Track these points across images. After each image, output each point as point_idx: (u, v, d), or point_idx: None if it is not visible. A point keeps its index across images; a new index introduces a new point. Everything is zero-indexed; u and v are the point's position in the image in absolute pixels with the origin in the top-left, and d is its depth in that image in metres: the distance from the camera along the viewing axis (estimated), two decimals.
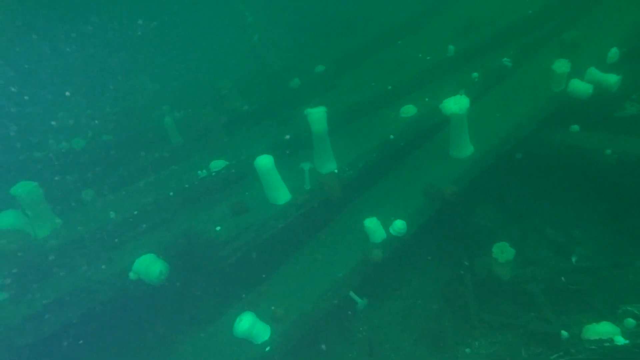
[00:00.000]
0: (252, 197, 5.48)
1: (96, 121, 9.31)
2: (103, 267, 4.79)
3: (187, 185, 5.76)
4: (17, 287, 4.73)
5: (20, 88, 9.26)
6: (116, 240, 5.21)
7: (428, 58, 7.08)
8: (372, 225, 4.88)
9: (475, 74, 6.44)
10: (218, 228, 5.02)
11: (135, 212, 5.42)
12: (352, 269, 4.75)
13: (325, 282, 4.66)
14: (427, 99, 6.29)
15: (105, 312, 4.73)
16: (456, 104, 5.00)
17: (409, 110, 6.10)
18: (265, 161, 5.04)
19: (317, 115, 5.23)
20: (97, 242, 5.14)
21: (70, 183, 7.33)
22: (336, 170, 5.53)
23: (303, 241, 5.31)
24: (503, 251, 4.41)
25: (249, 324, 4.11)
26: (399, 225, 4.90)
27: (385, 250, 4.83)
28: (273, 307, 4.41)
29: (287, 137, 6.31)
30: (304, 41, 10.06)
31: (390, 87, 6.63)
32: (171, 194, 5.66)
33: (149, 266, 4.76)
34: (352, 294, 4.87)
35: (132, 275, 4.78)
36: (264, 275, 4.93)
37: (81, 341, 4.66)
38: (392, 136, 5.88)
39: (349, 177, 5.58)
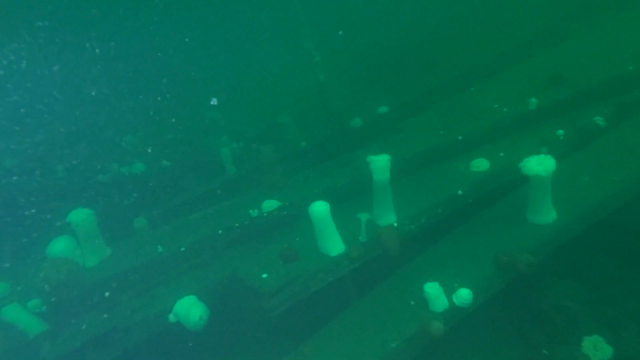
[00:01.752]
0: (302, 243, 5.15)
1: (157, 146, 9.57)
2: (144, 312, 4.57)
3: (237, 224, 5.54)
4: (56, 318, 4.63)
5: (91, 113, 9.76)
6: (161, 277, 5.03)
7: (505, 109, 6.54)
8: (434, 291, 4.35)
9: (560, 132, 5.81)
10: (265, 275, 4.71)
11: (183, 249, 5.25)
12: (407, 340, 4.21)
13: (376, 351, 4.16)
14: (502, 154, 5.74)
15: (139, 355, 4.48)
16: (540, 164, 4.43)
17: (481, 164, 5.57)
18: (320, 208, 4.72)
19: (380, 164, 4.86)
20: (142, 277, 4.98)
21: (125, 208, 7.42)
22: (396, 224, 5.09)
23: (354, 299, 4.85)
24: (597, 348, 3.68)
25: None
26: (464, 295, 4.34)
27: (446, 322, 4.25)
28: None
29: (345, 181, 5.96)
30: (368, 81, 9.85)
31: (460, 138, 6.14)
32: (220, 232, 5.45)
33: (190, 310, 4.52)
34: None
35: (171, 317, 4.56)
36: (308, 333, 4.49)
37: None
38: (460, 191, 5.37)
39: (410, 233, 5.12)
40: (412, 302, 4.52)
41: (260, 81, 10.98)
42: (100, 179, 8.21)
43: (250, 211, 5.82)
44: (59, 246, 5.08)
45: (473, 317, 4.42)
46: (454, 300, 4.37)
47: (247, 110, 10.29)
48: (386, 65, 9.96)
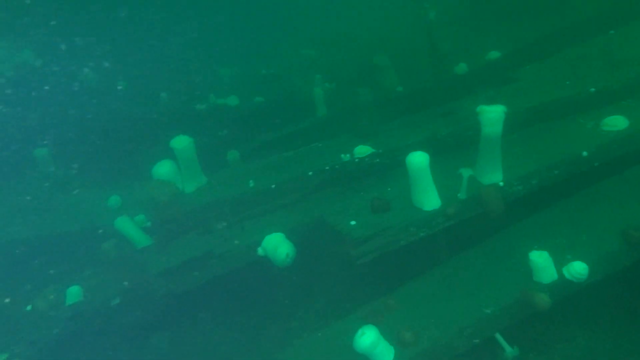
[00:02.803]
0: (394, 194, 4.89)
1: (251, 82, 9.63)
2: (236, 242, 4.72)
3: (327, 168, 5.39)
4: (159, 235, 4.98)
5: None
6: (251, 211, 5.13)
7: None
8: (542, 260, 3.92)
9: None
10: (353, 222, 4.57)
11: (273, 186, 5.27)
12: (504, 308, 3.89)
13: (467, 315, 3.92)
14: None
15: (229, 283, 4.71)
16: None
17: (616, 122, 4.73)
18: (419, 159, 4.38)
19: (493, 116, 4.32)
20: (234, 209, 5.12)
21: (220, 140, 7.66)
22: (502, 183, 4.58)
23: (445, 258, 4.56)
24: None
25: (371, 340, 3.60)
26: (578, 269, 3.86)
27: (552, 296, 3.82)
28: (401, 328, 3.83)
29: (446, 132, 5.46)
30: (477, 20, 8.75)
31: (593, 90, 5.22)
32: (310, 173, 5.36)
33: (277, 246, 4.57)
34: (499, 337, 4.00)
35: (260, 251, 4.66)
36: (393, 286, 4.35)
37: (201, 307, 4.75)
38: (585, 152, 4.64)
39: (516, 194, 4.59)
40: (512, 269, 4.14)
41: (359, 18, 10.31)
42: (199, 108, 8.53)
43: (342, 155, 5.62)
44: (163, 169, 5.37)
45: (585, 295, 3.94)
46: (565, 273, 3.91)
47: (342, 49, 9.81)
48: (500, 1, 8.69)
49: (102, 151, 7.58)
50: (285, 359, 3.95)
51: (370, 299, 4.30)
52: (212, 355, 4.53)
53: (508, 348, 4.00)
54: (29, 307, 4.38)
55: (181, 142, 5.35)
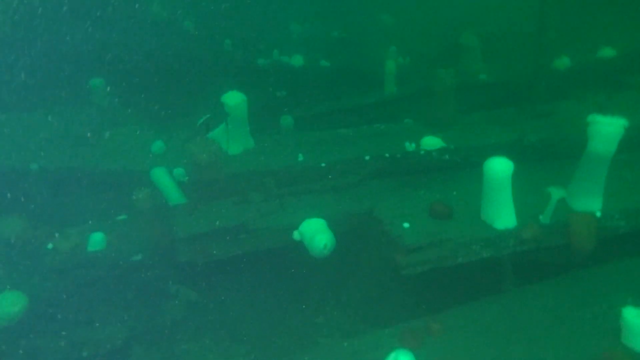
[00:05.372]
0: (460, 199, 4.21)
1: (319, 43, 8.93)
2: (272, 219, 4.24)
3: (387, 155, 4.75)
4: (194, 195, 4.61)
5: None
6: (295, 187, 4.62)
7: None
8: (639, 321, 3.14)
9: None
10: (406, 225, 3.97)
11: (323, 165, 4.71)
12: None
13: None
14: None
15: (256, 263, 4.29)
16: None
17: None
18: (501, 167, 3.67)
19: (609, 130, 3.49)
20: (277, 181, 4.63)
21: (276, 101, 7.16)
22: (599, 213, 3.77)
23: (509, 288, 3.88)
24: None
25: None
26: None
27: None
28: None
29: (537, 138, 4.62)
30: (593, 9, 7.43)
31: None
32: (367, 158, 4.75)
33: (316, 234, 4.04)
34: None
35: (296, 235, 4.17)
36: (440, 307, 3.74)
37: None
38: None
39: (616, 230, 3.80)
40: (594, 322, 3.41)
41: None
42: (260, 63, 8.02)
43: (407, 144, 4.94)
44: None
45: None
46: None
47: (425, 21, 8.80)
48: None
49: (157, 91, 7.30)
50: None
51: (411, 317, 3.72)
52: (228, 334, 4.19)
53: None
54: (50, 246, 4.19)
55: (233, 99, 4.87)
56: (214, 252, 4.18)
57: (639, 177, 4.08)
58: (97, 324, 3.90)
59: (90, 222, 4.60)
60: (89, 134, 6.04)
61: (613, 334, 3.26)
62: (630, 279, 3.65)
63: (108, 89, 6.84)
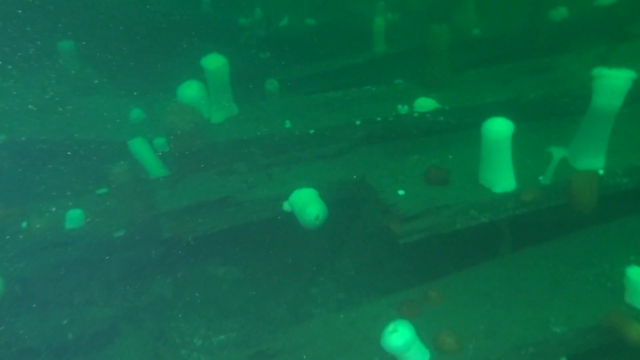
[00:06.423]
0: (457, 164, 4.02)
1: (303, 1, 8.41)
2: (259, 190, 4.02)
3: (379, 119, 4.51)
4: (176, 167, 4.35)
5: None
6: (283, 156, 4.38)
7: None
8: None
9: None
10: (401, 192, 3.78)
11: (312, 131, 4.46)
12: (579, 330, 3.13)
13: (529, 329, 3.17)
14: None
15: (245, 236, 4.11)
16: None
17: None
18: (500, 128, 3.47)
19: (616, 84, 3.29)
20: (264, 150, 4.38)
21: (259, 64, 6.77)
22: (602, 171, 3.66)
23: (509, 251, 3.78)
24: None
25: (404, 341, 2.94)
26: None
27: None
28: (441, 330, 3.16)
29: (536, 95, 4.40)
30: None
31: None
32: (358, 122, 4.50)
33: (307, 205, 3.86)
34: None
35: (286, 206, 3.98)
36: (438, 275, 3.64)
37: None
38: None
39: (619, 187, 3.68)
40: (597, 282, 3.34)
41: None
42: (241, 23, 7.54)
43: (399, 106, 4.68)
44: (189, 92, 4.60)
45: None
46: None
47: None
48: None
49: (132, 54, 6.83)
50: (299, 341, 3.39)
51: (408, 285, 3.61)
52: (220, 311, 4.06)
53: None
54: (24, 224, 3.94)
55: (213, 62, 4.51)
56: (200, 227, 3.97)
57: (638, 131, 3.92)
58: (81, 305, 3.73)
59: (66, 197, 4.33)
60: (57, 100, 5.63)
61: (616, 293, 3.20)
62: (633, 237, 3.56)
63: (77, 53, 6.36)
